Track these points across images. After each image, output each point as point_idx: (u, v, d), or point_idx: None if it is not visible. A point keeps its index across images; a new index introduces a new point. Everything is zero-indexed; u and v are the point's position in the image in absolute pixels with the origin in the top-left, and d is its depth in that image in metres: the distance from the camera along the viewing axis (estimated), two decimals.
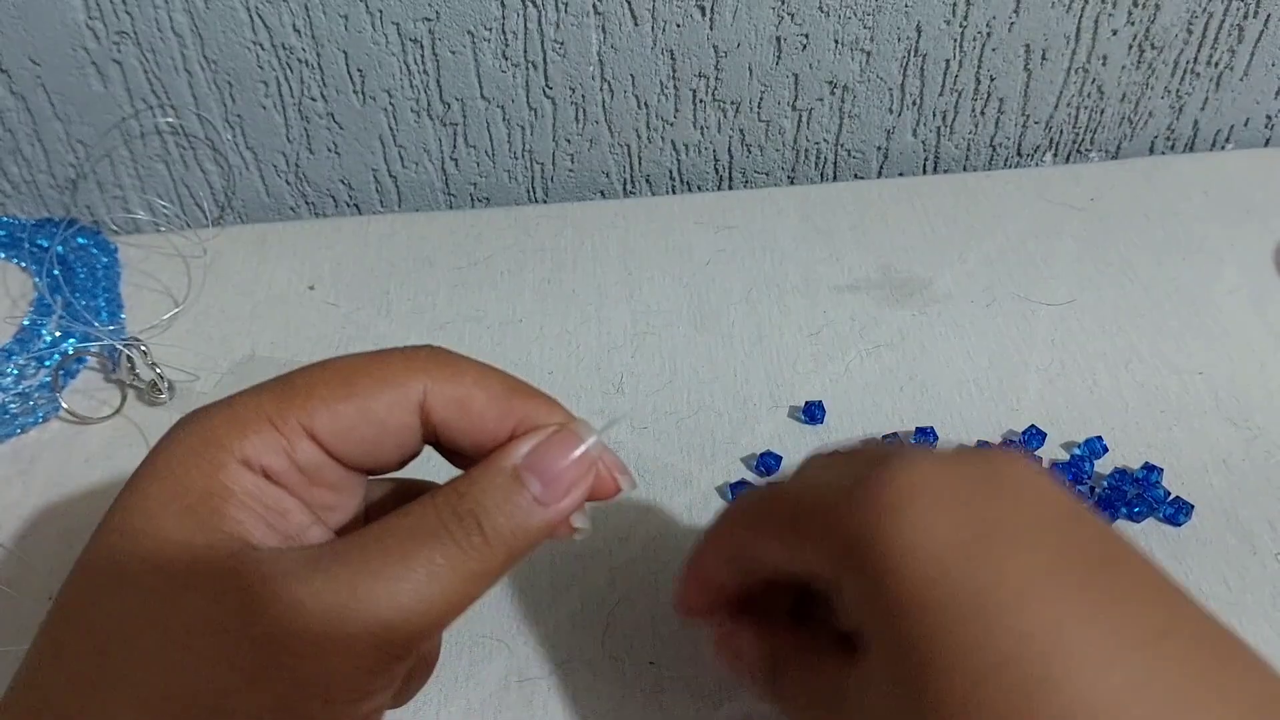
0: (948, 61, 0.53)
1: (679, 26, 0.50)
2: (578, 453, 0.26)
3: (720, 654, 0.30)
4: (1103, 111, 0.56)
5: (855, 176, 0.58)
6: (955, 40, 0.52)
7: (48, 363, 0.45)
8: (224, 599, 0.22)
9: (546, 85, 0.52)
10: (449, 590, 0.24)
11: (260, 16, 0.48)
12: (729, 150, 0.56)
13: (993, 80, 0.54)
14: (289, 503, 0.25)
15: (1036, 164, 0.58)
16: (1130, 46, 0.53)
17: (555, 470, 0.26)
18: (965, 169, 0.58)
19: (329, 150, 0.54)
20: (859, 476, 0.25)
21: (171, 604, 0.22)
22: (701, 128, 0.54)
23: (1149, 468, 0.40)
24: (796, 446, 0.42)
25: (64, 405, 0.44)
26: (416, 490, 0.29)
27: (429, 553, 0.24)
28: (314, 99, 0.51)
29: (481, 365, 0.27)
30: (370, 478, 0.28)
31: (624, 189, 0.57)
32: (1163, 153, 0.58)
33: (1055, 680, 0.21)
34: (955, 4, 0.50)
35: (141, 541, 0.23)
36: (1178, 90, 0.55)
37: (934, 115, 0.55)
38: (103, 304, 0.48)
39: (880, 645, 0.24)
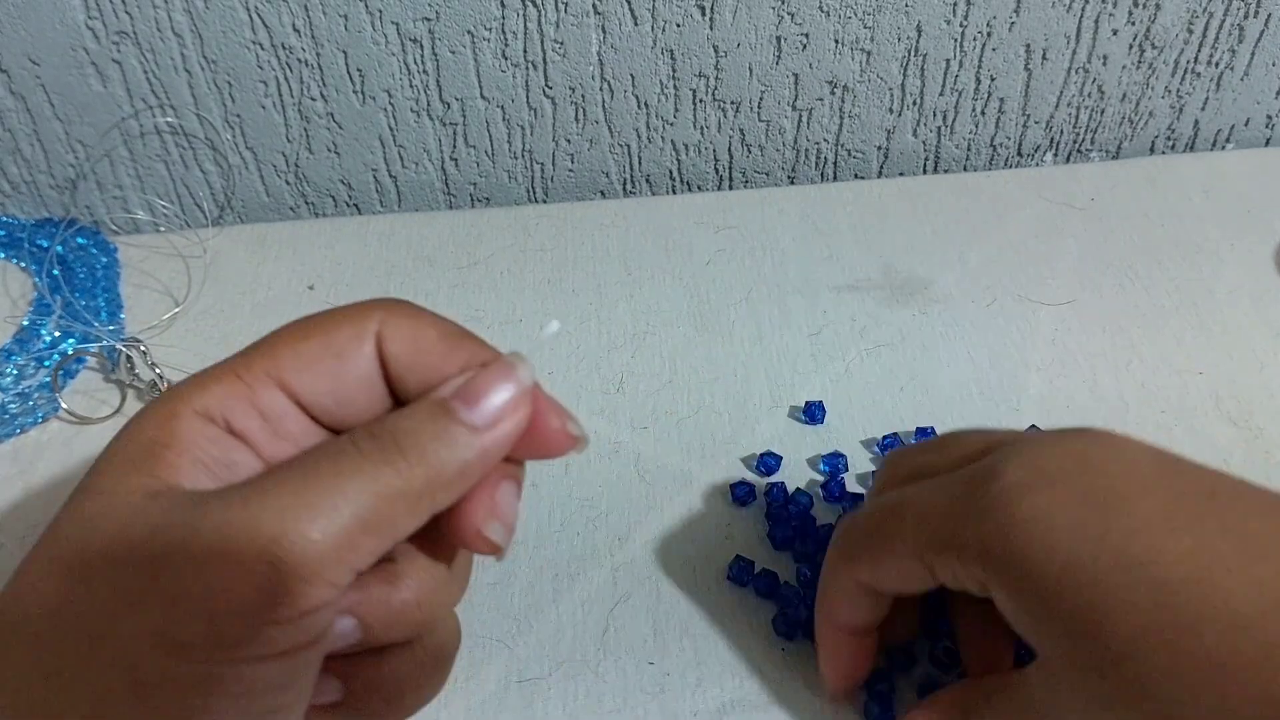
0: (948, 61, 0.53)
1: (679, 26, 0.50)
2: (509, 380, 0.25)
3: None
4: (1103, 111, 0.56)
5: (855, 176, 0.58)
6: (955, 40, 0.52)
7: (47, 363, 0.45)
8: (123, 532, 0.22)
9: (546, 85, 0.52)
10: (356, 506, 0.22)
11: (260, 16, 0.48)
12: (729, 150, 0.56)
13: (993, 80, 0.54)
14: (241, 455, 0.24)
15: (1037, 164, 0.58)
16: (1131, 46, 0.53)
17: (485, 397, 0.25)
18: (966, 169, 0.58)
19: (329, 150, 0.54)
20: (968, 490, 0.28)
21: (79, 547, 0.22)
22: (701, 128, 0.54)
23: None
24: (796, 446, 0.42)
25: (64, 405, 0.44)
26: None
27: (331, 467, 0.23)
28: (314, 99, 0.51)
29: (438, 314, 0.27)
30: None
31: (624, 189, 0.57)
32: (1163, 153, 0.58)
33: (1208, 600, 0.24)
34: (955, 4, 0.50)
35: (77, 498, 0.23)
36: (1178, 90, 0.55)
37: (934, 115, 0.55)
38: (102, 304, 0.48)
39: (1048, 642, 0.26)
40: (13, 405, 0.43)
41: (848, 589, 0.31)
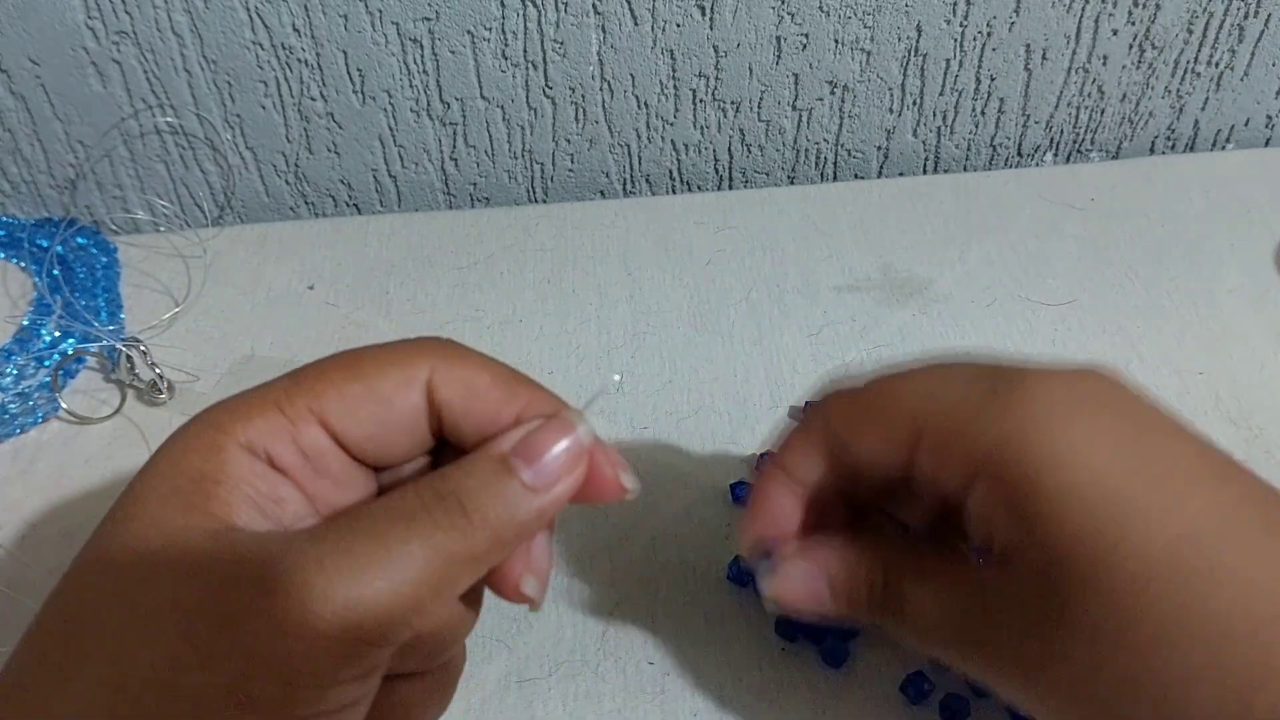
0: (948, 61, 0.53)
1: (679, 26, 0.50)
2: (568, 439, 0.25)
3: (801, 585, 0.28)
4: (1103, 111, 0.56)
5: (855, 176, 0.58)
6: (955, 40, 0.52)
7: (47, 363, 0.45)
8: (191, 578, 0.22)
9: (546, 85, 0.52)
10: (425, 571, 0.23)
11: (260, 16, 0.48)
12: (729, 150, 0.56)
13: (993, 80, 0.54)
14: (287, 491, 0.25)
15: (1037, 164, 0.58)
16: (1130, 46, 0.53)
17: (544, 456, 0.25)
18: (965, 169, 0.58)
19: (328, 150, 0.54)
20: (1001, 388, 0.26)
21: (142, 585, 0.22)
22: (701, 127, 0.54)
23: None
24: None
25: (63, 405, 0.44)
26: None
27: (403, 530, 0.23)
28: (314, 99, 0.51)
29: (487, 355, 0.27)
30: (381, 474, 0.27)
31: (624, 189, 0.57)
32: (1163, 153, 0.58)
33: (1222, 559, 0.23)
34: (955, 4, 0.50)
35: (127, 525, 0.23)
36: (1178, 90, 0.55)
37: (934, 115, 0.55)
38: (102, 304, 0.48)
39: (1032, 555, 0.24)
40: (12, 405, 0.43)
41: (815, 442, 0.29)
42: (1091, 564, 0.23)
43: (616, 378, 0.28)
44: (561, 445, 0.25)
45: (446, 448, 0.27)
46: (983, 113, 0.55)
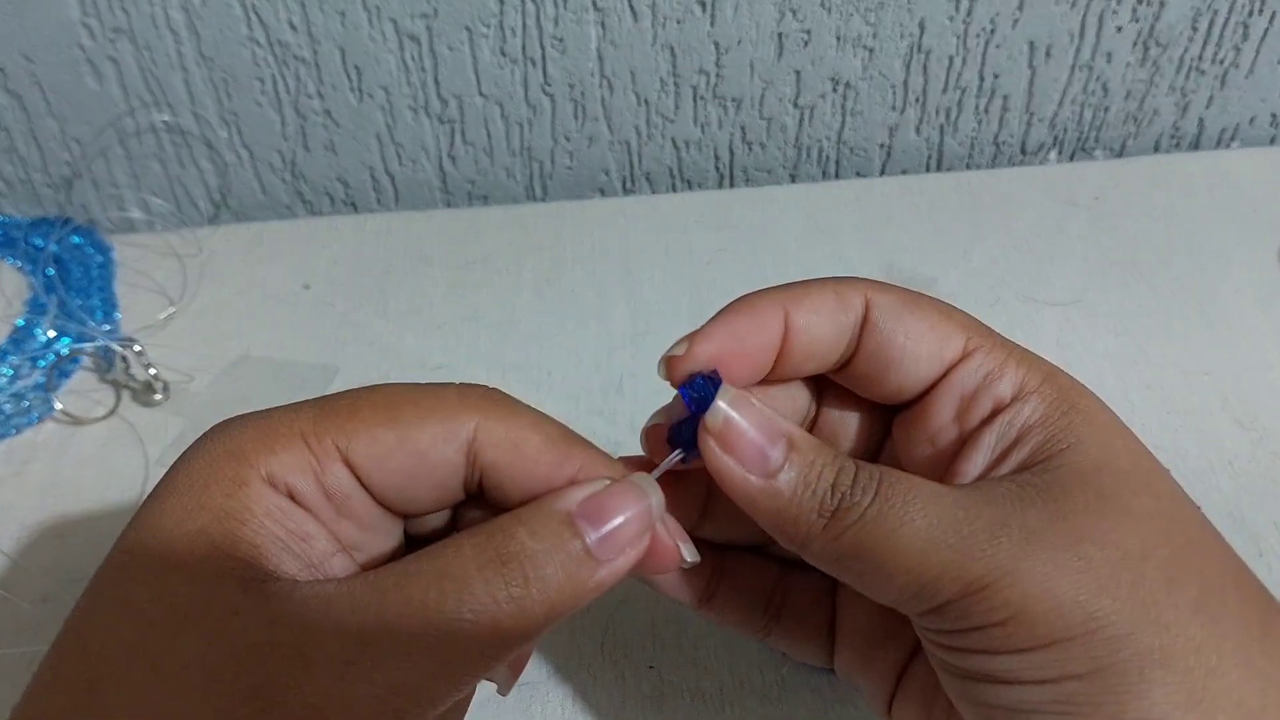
0: (951, 58, 0.52)
1: (679, 22, 0.50)
2: (639, 506, 0.24)
3: (757, 425, 0.25)
4: (1107, 109, 0.56)
5: (858, 174, 0.57)
6: (959, 37, 0.51)
7: (42, 363, 0.44)
8: (222, 641, 0.21)
9: (545, 82, 0.51)
10: (474, 649, 0.21)
11: (256, 13, 0.48)
12: (730, 148, 0.55)
13: (996, 78, 0.53)
14: (312, 526, 0.23)
15: (1041, 162, 0.58)
16: (1135, 44, 0.53)
17: (611, 521, 0.23)
18: (969, 167, 0.57)
19: (325, 148, 0.53)
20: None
21: (169, 640, 0.21)
22: (702, 125, 0.54)
23: None
24: None
25: (58, 405, 0.44)
26: None
27: (454, 603, 0.21)
28: (310, 96, 0.51)
29: (537, 411, 0.25)
30: (407, 520, 0.26)
31: (624, 187, 0.57)
32: (1168, 151, 0.58)
33: None
34: (959, 0, 0.50)
35: (151, 565, 0.22)
36: (1183, 88, 0.55)
37: (937, 113, 0.55)
38: (98, 303, 0.48)
39: (1074, 459, 0.24)
40: (7, 406, 0.43)
41: (839, 311, 0.27)
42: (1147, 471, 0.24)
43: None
44: (631, 511, 0.23)
45: (471, 498, 0.26)
46: (986, 110, 0.55)
